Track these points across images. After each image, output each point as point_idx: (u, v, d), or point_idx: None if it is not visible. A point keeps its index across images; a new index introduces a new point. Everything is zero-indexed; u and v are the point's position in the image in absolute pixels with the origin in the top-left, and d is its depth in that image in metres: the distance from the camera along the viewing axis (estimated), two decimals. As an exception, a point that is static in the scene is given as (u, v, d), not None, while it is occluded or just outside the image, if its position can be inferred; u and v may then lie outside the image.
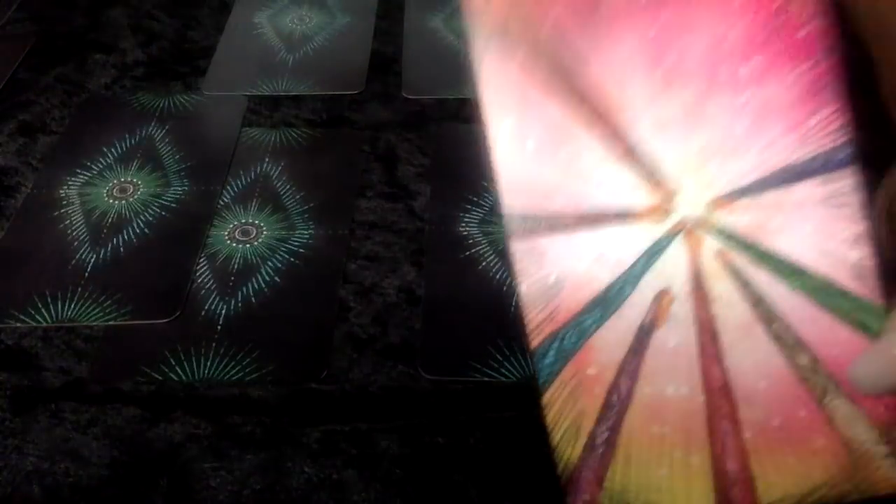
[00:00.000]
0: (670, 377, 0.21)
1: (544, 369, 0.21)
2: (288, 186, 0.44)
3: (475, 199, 0.43)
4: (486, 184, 0.44)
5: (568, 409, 0.21)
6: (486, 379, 0.35)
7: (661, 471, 0.21)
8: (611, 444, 0.21)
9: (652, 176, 0.21)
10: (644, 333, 0.21)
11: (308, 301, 0.39)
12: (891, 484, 0.20)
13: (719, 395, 0.21)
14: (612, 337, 0.21)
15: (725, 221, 0.21)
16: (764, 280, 0.21)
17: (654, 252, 0.21)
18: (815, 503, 0.21)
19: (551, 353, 0.21)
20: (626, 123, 0.21)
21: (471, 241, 0.41)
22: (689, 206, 0.21)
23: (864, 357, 0.20)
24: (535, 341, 0.21)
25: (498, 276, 0.40)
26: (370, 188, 0.45)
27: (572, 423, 0.21)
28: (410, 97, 0.50)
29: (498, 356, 0.36)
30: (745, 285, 0.21)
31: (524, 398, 0.35)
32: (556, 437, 0.22)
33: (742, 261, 0.21)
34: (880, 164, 0.22)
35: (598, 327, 0.21)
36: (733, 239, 0.21)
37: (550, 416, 0.21)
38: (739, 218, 0.21)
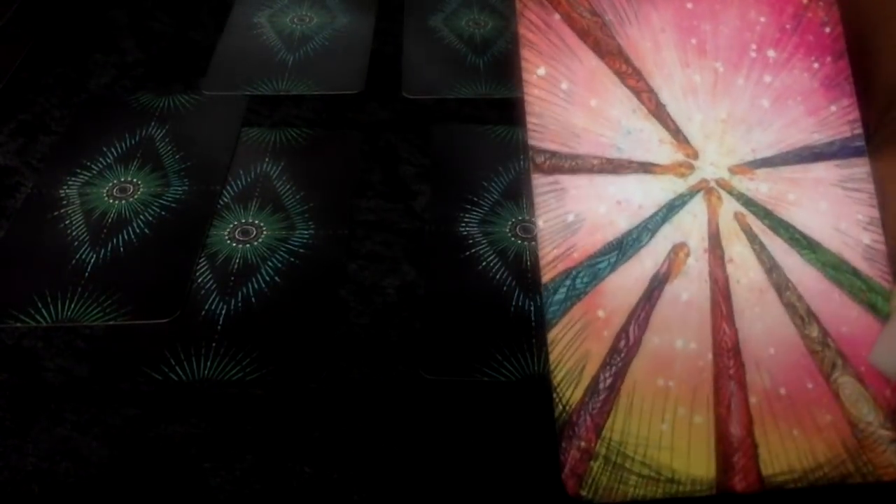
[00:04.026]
0: (680, 331, 0.21)
1: (553, 305, 0.21)
2: (288, 186, 0.44)
3: (475, 199, 0.43)
4: (486, 184, 0.44)
5: (573, 349, 0.21)
6: (487, 379, 0.35)
7: (662, 426, 0.21)
8: (614, 390, 0.21)
9: (678, 134, 0.22)
10: (657, 283, 0.21)
11: (308, 301, 0.39)
12: (894, 470, 0.20)
13: (728, 356, 0.21)
14: (625, 283, 0.21)
15: (745, 187, 0.21)
16: (779, 248, 0.21)
17: (674, 205, 0.22)
18: (816, 481, 0.20)
19: (562, 290, 0.21)
20: (657, 83, 0.22)
21: (471, 241, 0.41)
22: (711, 167, 0.22)
23: (880, 341, 0.20)
24: (547, 276, 0.22)
25: (498, 276, 0.40)
26: (370, 188, 0.45)
27: (576, 364, 0.21)
28: (410, 97, 0.50)
29: (498, 356, 0.36)
30: (760, 250, 0.21)
31: (525, 398, 0.35)
32: (559, 376, 0.21)
33: (759, 226, 0.21)
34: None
35: (611, 271, 0.21)
36: (752, 204, 0.21)
37: (555, 354, 0.21)
38: (759, 185, 0.21)
